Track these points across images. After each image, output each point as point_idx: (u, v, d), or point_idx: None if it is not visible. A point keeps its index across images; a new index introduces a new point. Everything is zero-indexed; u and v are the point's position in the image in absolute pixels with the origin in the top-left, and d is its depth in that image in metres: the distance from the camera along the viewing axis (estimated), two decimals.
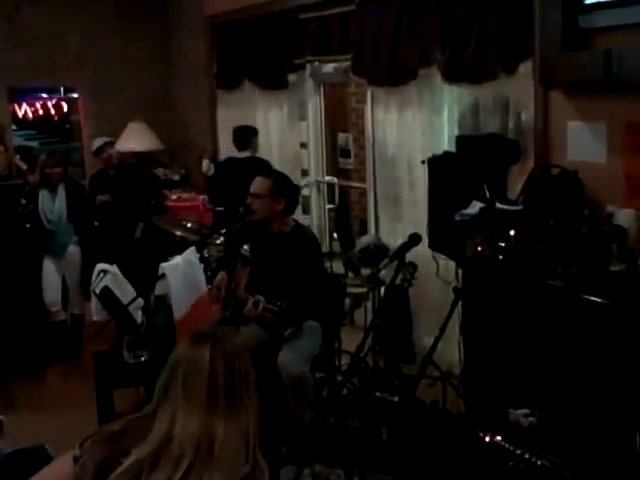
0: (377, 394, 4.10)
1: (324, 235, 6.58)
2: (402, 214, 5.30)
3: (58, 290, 6.01)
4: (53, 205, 5.85)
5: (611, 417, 3.17)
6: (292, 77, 6.15)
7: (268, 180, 4.28)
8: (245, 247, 4.59)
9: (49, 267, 5.94)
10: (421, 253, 4.47)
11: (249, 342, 2.01)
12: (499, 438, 3.35)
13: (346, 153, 7.42)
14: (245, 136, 6.11)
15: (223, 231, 5.25)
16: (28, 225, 5.78)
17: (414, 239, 3.74)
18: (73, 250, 6.03)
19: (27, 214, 5.76)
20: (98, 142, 6.40)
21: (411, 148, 5.06)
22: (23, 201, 5.77)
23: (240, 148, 6.12)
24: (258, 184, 4.29)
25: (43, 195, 5.84)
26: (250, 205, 4.27)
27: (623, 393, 3.12)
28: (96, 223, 6.34)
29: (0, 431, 2.46)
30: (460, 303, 4.02)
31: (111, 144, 6.45)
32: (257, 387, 1.96)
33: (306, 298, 4.14)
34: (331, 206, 6.79)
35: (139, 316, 4.32)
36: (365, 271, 5.16)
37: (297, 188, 4.50)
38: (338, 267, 5.40)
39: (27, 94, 8.02)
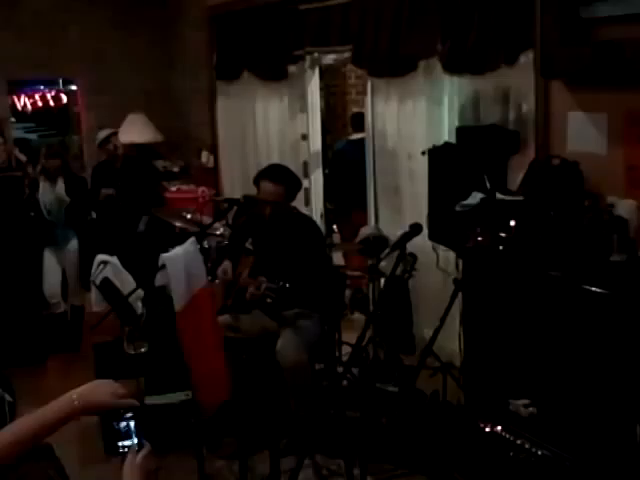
0: (377, 385, 4.11)
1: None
2: (402, 205, 5.29)
3: (58, 282, 6.02)
4: (52, 196, 5.86)
5: (611, 407, 3.18)
6: (292, 68, 6.14)
7: (280, 187, 4.23)
8: (249, 240, 4.61)
9: (49, 258, 5.94)
10: (421, 244, 4.47)
11: None
12: (499, 428, 3.36)
13: None
14: (361, 120, 6.27)
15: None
16: (32, 214, 5.79)
17: (415, 229, 3.73)
18: (73, 242, 6.04)
19: (32, 203, 5.77)
20: (103, 133, 6.37)
21: (411, 139, 5.06)
22: (27, 190, 5.78)
23: (357, 130, 6.66)
24: (270, 191, 4.22)
25: (43, 186, 5.85)
26: (263, 211, 4.26)
27: (623, 383, 3.12)
28: (94, 215, 6.33)
29: (13, 414, 2.46)
30: (460, 294, 4.03)
31: (115, 135, 6.44)
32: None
33: (306, 277, 4.13)
34: None
35: (139, 307, 4.32)
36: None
37: (298, 177, 4.50)
38: (338, 258, 5.40)
39: (26, 86, 8.00)
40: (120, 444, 2.00)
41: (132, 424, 2.01)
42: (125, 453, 1.98)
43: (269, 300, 4.08)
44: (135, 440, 2.00)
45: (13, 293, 5.69)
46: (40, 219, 5.83)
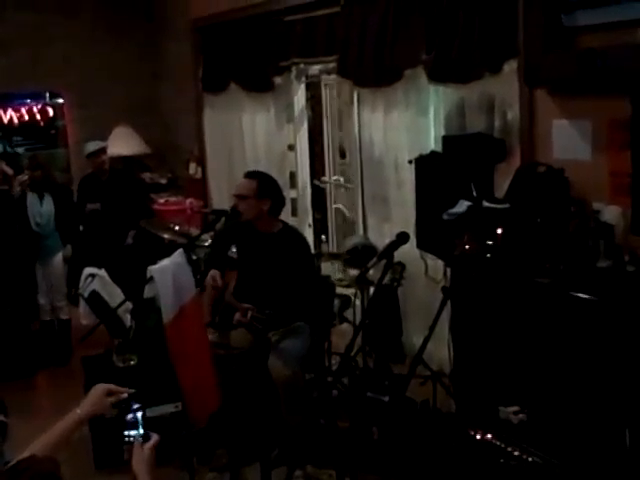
0: (368, 394, 4.10)
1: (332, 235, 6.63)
2: (390, 214, 5.30)
3: (47, 292, 6.03)
4: (41, 208, 5.87)
5: (601, 413, 3.19)
6: (278, 79, 6.15)
7: (253, 181, 4.27)
8: (233, 250, 4.59)
9: (37, 271, 5.95)
10: (409, 253, 4.48)
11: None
12: (490, 436, 3.36)
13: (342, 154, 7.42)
14: None
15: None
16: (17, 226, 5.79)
17: (402, 238, 3.75)
18: (59, 257, 6.03)
19: (20, 212, 5.76)
20: (93, 146, 6.34)
21: (398, 148, 5.07)
22: (18, 188, 5.80)
23: None
24: (243, 185, 4.28)
25: (31, 199, 5.85)
26: (236, 206, 4.26)
27: (612, 389, 3.13)
28: (81, 228, 6.31)
29: (4, 434, 2.51)
30: (449, 302, 4.04)
31: (104, 150, 6.42)
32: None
33: (295, 300, 4.14)
34: (338, 206, 6.80)
35: (128, 320, 4.31)
36: (353, 272, 5.17)
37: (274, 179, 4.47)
38: (327, 268, 5.41)
39: (12, 100, 7.98)
40: (126, 433, 2.17)
41: (139, 415, 2.20)
42: (131, 443, 2.16)
43: (254, 328, 4.09)
44: (141, 431, 2.17)
45: (1, 307, 5.67)
46: (27, 231, 5.82)
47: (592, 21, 3.59)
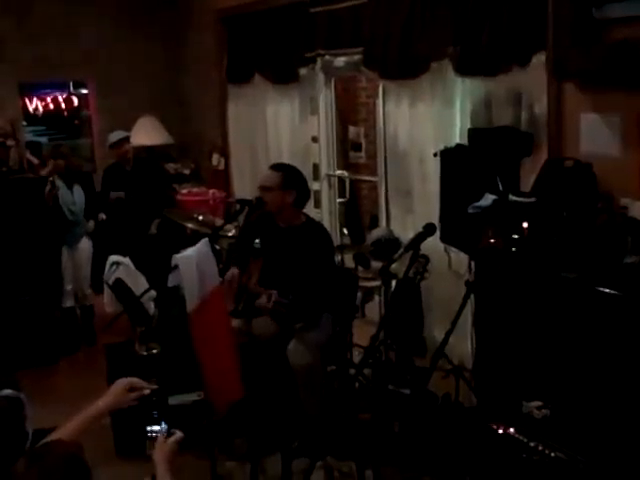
0: (389, 387, 4.10)
1: (335, 228, 6.59)
2: (414, 207, 5.28)
3: (73, 278, 6.09)
4: (73, 198, 5.93)
5: (625, 409, 3.16)
6: (303, 71, 6.14)
7: (278, 173, 4.27)
8: (257, 241, 4.60)
9: (64, 257, 6.02)
10: (433, 246, 4.46)
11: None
12: (512, 430, 3.35)
13: (357, 147, 7.41)
14: None
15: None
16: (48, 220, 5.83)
17: (429, 229, 3.73)
18: (85, 243, 6.09)
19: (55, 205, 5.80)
20: (116, 136, 6.39)
21: (423, 141, 5.04)
22: (48, 186, 5.81)
23: None
24: (268, 177, 4.28)
25: (62, 189, 5.90)
26: (262, 198, 4.26)
27: (637, 384, 3.10)
28: (104, 216, 6.35)
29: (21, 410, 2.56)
30: (472, 296, 4.02)
31: (128, 139, 6.46)
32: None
33: (316, 292, 4.13)
34: (342, 200, 6.79)
35: (152, 308, 4.33)
36: (376, 264, 5.15)
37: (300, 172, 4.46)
38: (349, 260, 5.40)
39: (38, 89, 8.04)
40: (149, 429, 2.21)
41: (162, 410, 2.28)
42: (153, 438, 2.19)
43: (278, 312, 4.08)
44: (165, 426, 2.21)
45: (25, 294, 5.72)
46: (60, 218, 5.86)
47: (623, 13, 3.54)
